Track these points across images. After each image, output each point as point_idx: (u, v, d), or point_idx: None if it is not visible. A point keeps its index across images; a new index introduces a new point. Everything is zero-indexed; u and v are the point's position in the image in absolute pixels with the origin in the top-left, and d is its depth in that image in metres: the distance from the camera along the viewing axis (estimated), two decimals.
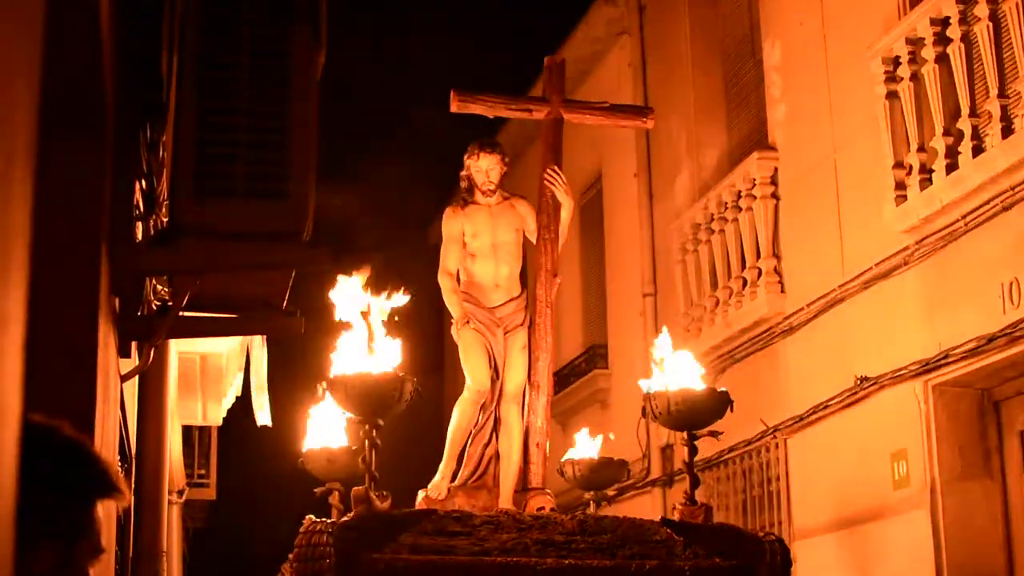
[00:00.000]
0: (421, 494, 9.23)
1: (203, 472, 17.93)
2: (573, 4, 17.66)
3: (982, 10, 9.93)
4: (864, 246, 11.57)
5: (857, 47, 11.62)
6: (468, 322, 9.41)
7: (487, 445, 9.42)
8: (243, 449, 20.56)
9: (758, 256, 13.26)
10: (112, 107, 5.36)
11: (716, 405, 8.62)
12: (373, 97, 24.50)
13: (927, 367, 10.63)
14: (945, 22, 10.39)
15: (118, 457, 6.98)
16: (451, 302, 9.54)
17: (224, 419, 14.21)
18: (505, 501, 9.14)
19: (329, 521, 7.75)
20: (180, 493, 14.60)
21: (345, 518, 7.83)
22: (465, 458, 9.42)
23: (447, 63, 22.87)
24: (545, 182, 9.69)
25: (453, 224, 9.66)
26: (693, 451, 8.66)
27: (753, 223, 13.33)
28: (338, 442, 9.60)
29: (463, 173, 9.75)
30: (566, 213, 9.74)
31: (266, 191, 5.59)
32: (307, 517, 7.77)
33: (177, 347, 10.39)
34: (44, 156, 4.36)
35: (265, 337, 11.54)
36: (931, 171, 10.52)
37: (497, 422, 9.43)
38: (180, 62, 5.83)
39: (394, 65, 25.40)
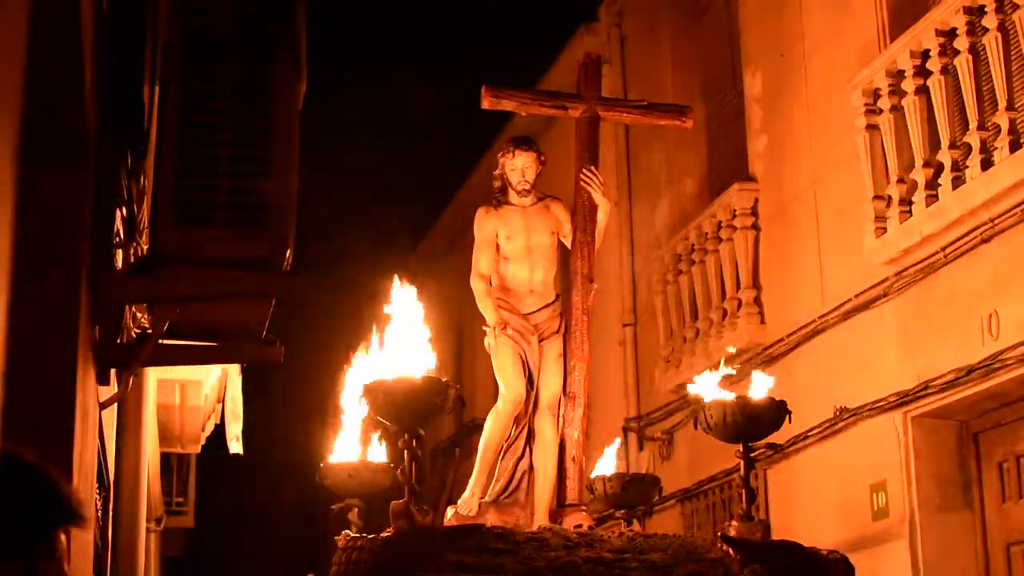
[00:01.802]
0: (450, 511, 8.74)
1: (181, 500, 17.84)
2: (554, 33, 17.69)
3: (962, 43, 9.97)
4: (844, 277, 11.59)
5: (838, 79, 11.66)
6: (506, 327, 8.90)
7: (520, 459, 8.91)
8: (221, 477, 20.53)
9: (738, 287, 13.27)
10: (93, 135, 5.36)
11: (774, 416, 8.10)
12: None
13: (906, 398, 10.64)
14: (925, 55, 10.44)
15: (96, 485, 6.95)
16: (485, 307, 8.99)
17: (202, 446, 14.18)
18: (540, 518, 8.65)
19: (370, 537, 7.35)
20: (158, 521, 14.57)
21: (386, 533, 7.35)
22: (497, 473, 8.91)
23: (431, 94, 22.97)
24: (581, 183, 9.18)
25: (486, 225, 9.12)
26: (750, 464, 8.16)
27: (733, 254, 13.34)
28: (358, 455, 9.05)
29: (496, 172, 9.27)
30: (603, 215, 9.25)
31: (246, 220, 5.59)
32: (344, 532, 7.47)
33: (156, 374, 10.36)
34: (25, 183, 4.36)
35: (240, 366, 11.47)
36: (911, 203, 10.55)
37: (531, 435, 8.92)
38: (162, 90, 5.84)
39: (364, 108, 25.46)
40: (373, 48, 25.98)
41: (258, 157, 5.63)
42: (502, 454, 8.89)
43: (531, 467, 8.88)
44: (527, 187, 9.12)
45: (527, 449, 8.90)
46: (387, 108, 25.01)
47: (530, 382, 8.89)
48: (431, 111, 23.92)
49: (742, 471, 8.12)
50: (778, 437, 12.19)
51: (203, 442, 13.88)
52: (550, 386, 8.90)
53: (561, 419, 8.91)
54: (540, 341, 8.96)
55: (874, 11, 11.35)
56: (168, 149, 5.65)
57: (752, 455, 8.20)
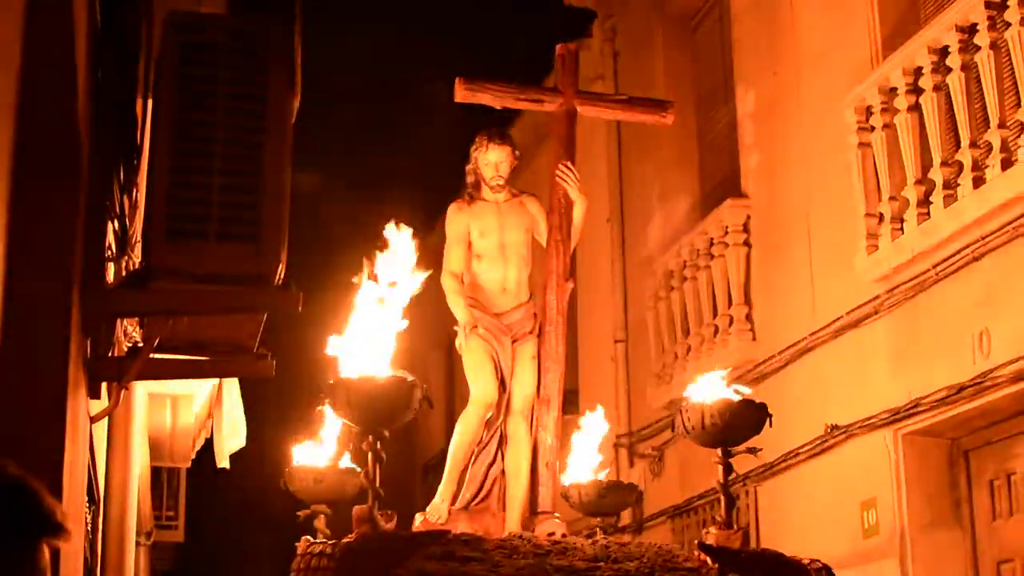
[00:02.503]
0: (419, 517, 8.46)
1: (171, 514, 17.77)
2: (548, 48, 17.70)
3: (954, 60, 9.99)
4: (835, 295, 11.60)
5: (830, 96, 11.68)
6: (476, 327, 8.64)
7: (492, 464, 8.67)
8: (212, 491, 20.48)
9: (730, 303, 13.28)
10: (86, 148, 5.36)
11: (754, 418, 7.82)
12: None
13: (897, 416, 10.65)
14: (918, 72, 10.46)
15: (86, 499, 6.94)
16: (456, 305, 8.73)
17: (193, 460, 14.15)
18: (513, 525, 8.42)
19: (331, 542, 7.13)
20: (148, 535, 14.53)
21: (348, 538, 7.10)
22: (468, 478, 8.68)
23: (424, 109, 23.00)
24: (557, 179, 8.94)
25: (458, 221, 8.90)
26: (728, 469, 7.86)
27: (725, 270, 13.36)
28: (326, 460, 8.66)
29: (469, 167, 8.98)
30: (579, 212, 8.99)
31: (239, 234, 5.58)
32: (304, 538, 7.30)
33: (147, 388, 10.35)
34: (17, 196, 4.36)
35: (237, 380, 11.44)
36: (903, 220, 10.56)
37: (503, 439, 8.68)
38: (155, 104, 5.84)
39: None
40: (361, 71, 26.05)
41: (251, 171, 5.63)
42: (473, 459, 8.68)
43: (503, 472, 8.66)
44: (501, 182, 8.92)
45: (499, 454, 8.69)
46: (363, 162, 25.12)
47: (502, 384, 8.67)
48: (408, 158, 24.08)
49: (720, 476, 7.88)
50: (768, 454, 12.24)
51: (194, 456, 13.86)
52: (523, 389, 8.68)
53: (535, 423, 8.68)
54: (513, 342, 8.73)
55: (867, 28, 11.37)
56: (161, 163, 5.64)
57: (732, 467, 7.97)
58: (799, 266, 12.23)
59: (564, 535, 8.23)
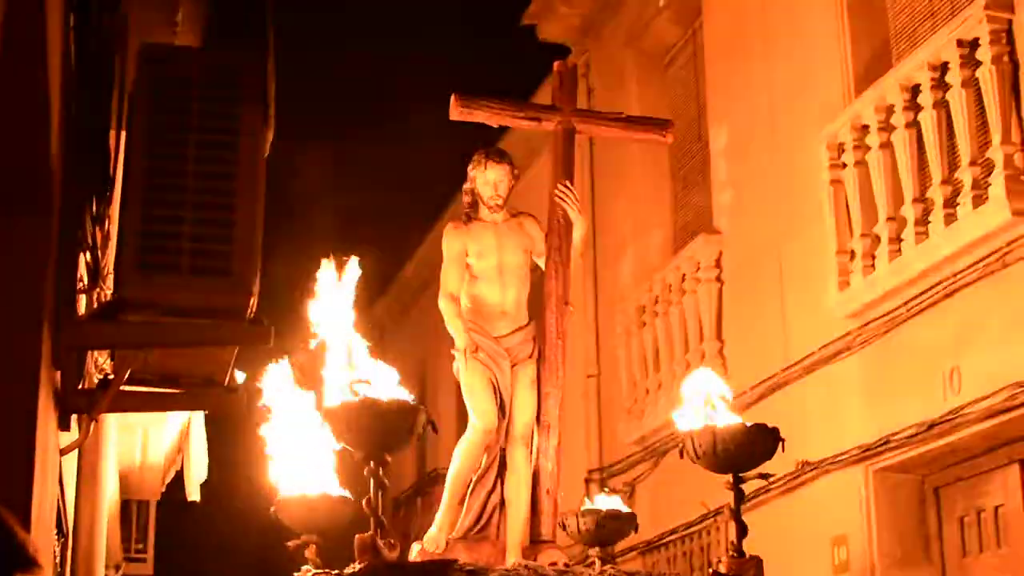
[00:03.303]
0: (416, 547, 8.20)
1: (140, 546, 17.69)
2: (521, 81, 17.75)
3: (926, 99, 10.04)
4: (807, 331, 11.62)
5: (803, 133, 11.72)
6: (477, 350, 8.35)
7: (491, 492, 8.34)
8: (181, 523, 20.39)
9: (702, 339, 13.30)
10: (58, 180, 5.35)
11: (767, 443, 7.58)
12: None
13: (868, 452, 10.66)
14: (890, 110, 10.50)
15: (55, 531, 6.91)
16: (455, 328, 8.42)
17: (163, 493, 14.11)
18: (513, 554, 8.11)
19: (334, 573, 6.99)
20: (116, 568, 14.47)
21: (351, 569, 6.88)
22: (466, 507, 8.36)
23: (409, 136, 23.05)
24: (556, 199, 8.66)
25: (455, 242, 8.59)
26: (740, 496, 7.64)
27: (697, 306, 13.38)
28: (318, 489, 8.15)
29: (466, 186, 8.73)
30: (579, 234, 8.74)
31: (211, 268, 5.57)
32: (304, 568, 7.17)
33: (118, 420, 10.32)
34: None
35: (204, 413, 11.39)
36: (875, 257, 10.60)
37: (502, 466, 8.38)
38: (128, 136, 5.84)
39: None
40: (340, 98, 26.07)
41: (223, 204, 5.63)
42: (471, 487, 8.38)
43: (503, 501, 8.37)
44: (500, 202, 8.66)
45: (498, 482, 8.39)
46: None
47: (502, 410, 8.37)
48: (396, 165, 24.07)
49: (731, 504, 7.65)
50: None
51: (164, 489, 13.82)
52: (523, 414, 8.38)
53: (535, 450, 8.39)
54: (512, 366, 8.43)
55: (840, 66, 11.42)
56: (133, 195, 5.63)
57: (743, 493, 7.76)
58: (771, 302, 12.26)
59: (567, 565, 8.06)
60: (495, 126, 9.10)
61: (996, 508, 10.06)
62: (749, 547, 11.83)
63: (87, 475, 8.87)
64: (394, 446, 7.08)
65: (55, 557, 7.30)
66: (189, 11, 7.16)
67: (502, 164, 8.68)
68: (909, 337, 10.35)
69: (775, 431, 7.63)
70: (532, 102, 9.93)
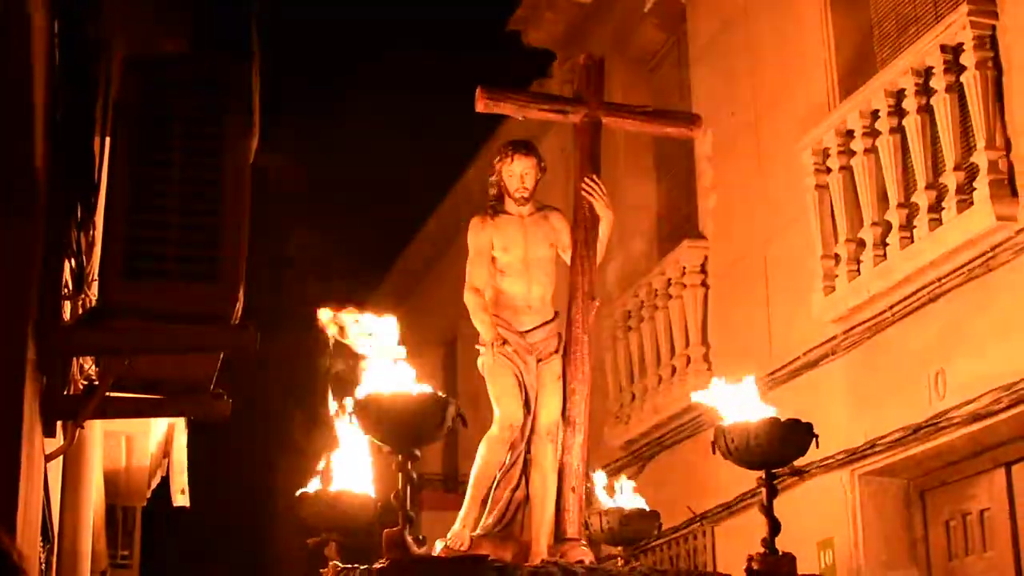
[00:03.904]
0: (440, 544, 7.99)
1: (126, 553, 17.64)
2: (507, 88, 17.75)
3: (911, 104, 10.06)
4: (792, 335, 11.63)
5: (787, 139, 11.74)
6: (504, 344, 8.20)
7: (515, 489, 8.22)
8: (167, 529, 20.38)
9: (687, 344, 13.30)
10: (43, 186, 5.35)
11: (800, 439, 7.53)
12: None
13: (854, 456, 10.68)
14: (875, 115, 10.52)
15: (40, 538, 6.90)
16: (481, 322, 8.27)
17: (148, 499, 14.08)
18: (539, 552, 7.96)
19: (362, 568, 6.89)
20: (102, 574, 14.43)
21: (379, 564, 6.75)
22: (490, 504, 8.20)
23: (394, 150, 23.03)
24: (582, 193, 8.50)
25: (481, 235, 8.44)
26: (773, 492, 7.60)
27: (683, 311, 13.38)
28: (339, 485, 8.03)
29: (492, 179, 8.59)
30: (605, 228, 8.55)
31: (196, 273, 5.57)
32: (332, 563, 7.10)
33: (103, 426, 10.30)
34: None
35: (186, 419, 11.36)
36: (859, 262, 10.62)
37: (527, 463, 8.24)
38: (113, 142, 5.84)
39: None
40: (331, 98, 26.12)
41: (208, 210, 5.63)
42: (496, 483, 8.22)
43: (527, 498, 8.24)
44: (526, 195, 8.51)
45: (523, 478, 8.26)
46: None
47: (527, 405, 8.23)
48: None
49: (764, 499, 7.61)
50: (726, 494, 12.26)
51: (149, 495, 13.80)
52: (549, 410, 8.25)
53: (560, 446, 8.26)
54: (538, 362, 8.31)
55: (824, 71, 11.45)
56: (118, 201, 5.63)
57: (776, 489, 7.73)
58: (756, 307, 12.27)
59: (593, 562, 7.97)
60: (520, 119, 9.03)
61: (982, 512, 10.08)
62: (734, 553, 11.88)
63: (72, 481, 8.85)
64: (424, 440, 7.03)
65: (40, 564, 7.28)
66: (174, 18, 7.16)
67: (529, 156, 8.54)
68: (894, 341, 10.37)
69: (808, 425, 7.54)
70: (558, 95, 9.68)
